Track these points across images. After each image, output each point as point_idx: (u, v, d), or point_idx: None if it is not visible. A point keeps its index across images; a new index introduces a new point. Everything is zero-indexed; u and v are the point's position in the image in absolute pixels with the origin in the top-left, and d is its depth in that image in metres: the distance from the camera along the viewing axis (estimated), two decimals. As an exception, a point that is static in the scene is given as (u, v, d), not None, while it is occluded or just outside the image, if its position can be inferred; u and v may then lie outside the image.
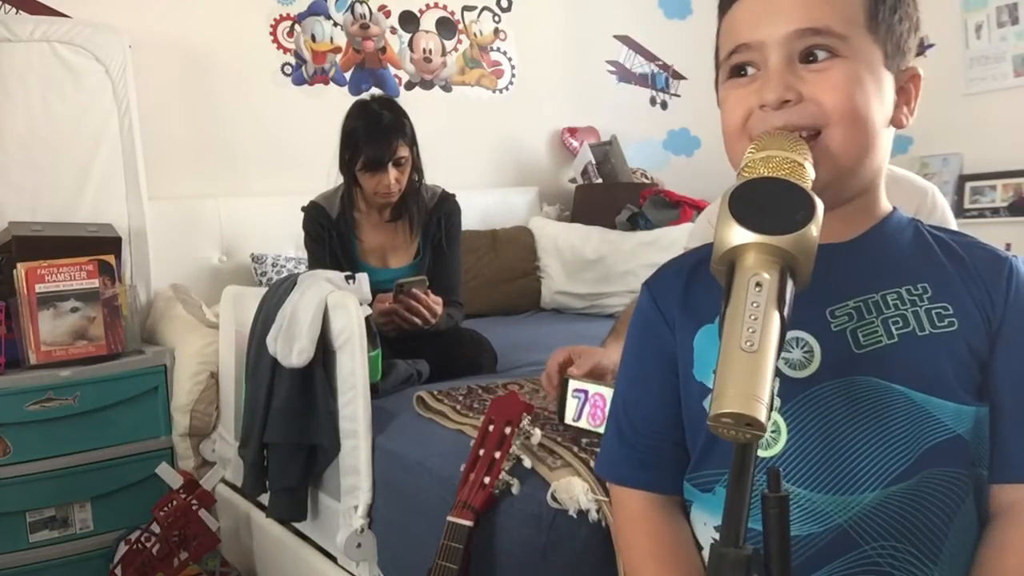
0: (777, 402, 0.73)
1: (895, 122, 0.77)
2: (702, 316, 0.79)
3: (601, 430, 1.42)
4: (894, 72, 0.76)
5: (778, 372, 0.72)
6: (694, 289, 0.82)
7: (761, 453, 0.73)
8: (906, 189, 1.63)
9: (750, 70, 0.75)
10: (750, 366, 0.54)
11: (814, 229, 0.59)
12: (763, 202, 0.61)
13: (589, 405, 1.44)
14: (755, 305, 0.56)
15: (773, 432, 0.73)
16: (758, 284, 0.57)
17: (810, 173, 0.65)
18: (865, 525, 0.70)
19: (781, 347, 0.56)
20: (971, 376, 0.72)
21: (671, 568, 0.79)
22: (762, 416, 0.53)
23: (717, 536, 0.75)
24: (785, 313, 0.57)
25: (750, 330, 0.55)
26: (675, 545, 0.80)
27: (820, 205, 0.60)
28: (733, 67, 0.77)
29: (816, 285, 0.64)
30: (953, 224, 1.61)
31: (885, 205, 0.80)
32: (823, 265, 0.63)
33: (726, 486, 0.75)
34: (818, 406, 0.72)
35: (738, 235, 0.59)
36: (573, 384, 1.46)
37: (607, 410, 1.42)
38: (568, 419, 1.46)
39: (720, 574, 0.51)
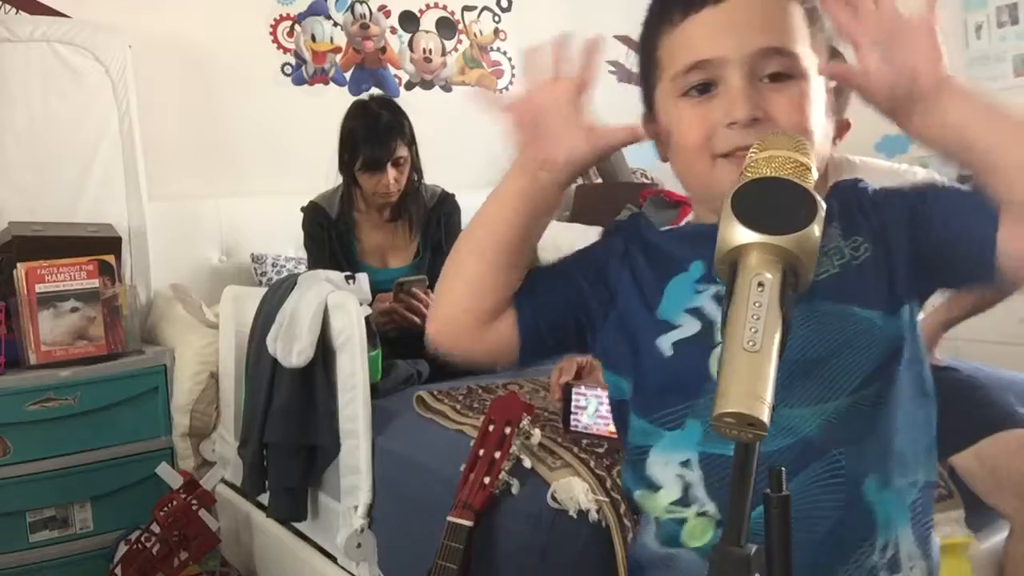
0: None
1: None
2: (671, 268, 0.82)
3: (605, 434, 1.42)
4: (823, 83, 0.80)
5: None
6: (666, 242, 0.85)
7: None
8: (881, 178, 1.64)
9: (709, 88, 0.77)
10: (752, 366, 0.55)
11: (816, 229, 0.59)
12: (766, 202, 0.61)
13: (593, 411, 1.44)
14: (757, 305, 0.57)
15: None
16: (760, 284, 0.57)
17: (813, 173, 0.66)
18: (829, 433, 0.74)
19: (784, 347, 0.57)
20: (894, 287, 0.77)
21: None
22: (765, 416, 0.53)
23: (683, 471, 0.77)
24: (788, 313, 0.58)
25: (752, 330, 0.56)
26: None
27: (823, 205, 0.61)
28: (692, 85, 0.78)
29: None
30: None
31: None
32: None
33: (699, 418, 0.76)
34: None
35: (741, 235, 0.59)
36: (576, 391, 1.46)
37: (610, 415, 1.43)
38: (572, 426, 1.46)
39: (722, 573, 0.52)
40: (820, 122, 0.77)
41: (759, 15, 0.75)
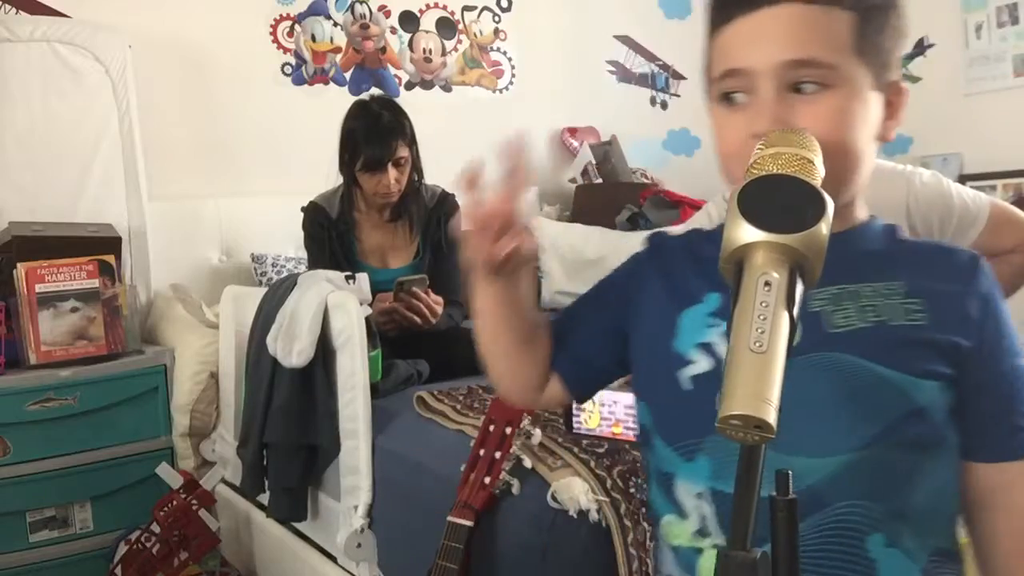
0: None
1: (881, 138, 0.79)
2: (686, 298, 0.82)
3: (607, 435, 1.42)
4: (881, 90, 0.78)
5: None
6: (684, 269, 0.85)
7: None
8: (887, 178, 1.65)
9: (740, 97, 0.77)
10: (759, 367, 0.53)
11: (824, 227, 0.58)
12: (772, 200, 0.60)
13: (596, 412, 1.44)
14: (764, 305, 0.55)
15: None
16: (767, 283, 0.56)
17: (820, 170, 0.65)
18: (835, 486, 0.74)
19: (791, 347, 0.55)
20: (937, 360, 0.76)
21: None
22: (771, 418, 0.52)
23: (699, 503, 0.78)
24: (795, 313, 0.56)
25: (759, 330, 0.54)
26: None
27: (830, 203, 0.59)
28: (725, 91, 0.78)
29: None
30: (947, 188, 1.62)
31: (862, 213, 0.83)
32: None
33: (707, 454, 0.77)
34: (791, 378, 0.74)
35: (747, 233, 0.58)
36: None
37: (614, 415, 1.42)
38: (575, 428, 1.46)
39: None
40: (860, 133, 0.75)
41: (790, 25, 0.74)
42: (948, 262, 0.80)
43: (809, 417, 0.74)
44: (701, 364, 0.78)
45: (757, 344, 0.54)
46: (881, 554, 0.74)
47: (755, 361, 0.54)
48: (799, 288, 0.58)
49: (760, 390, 0.52)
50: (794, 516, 0.54)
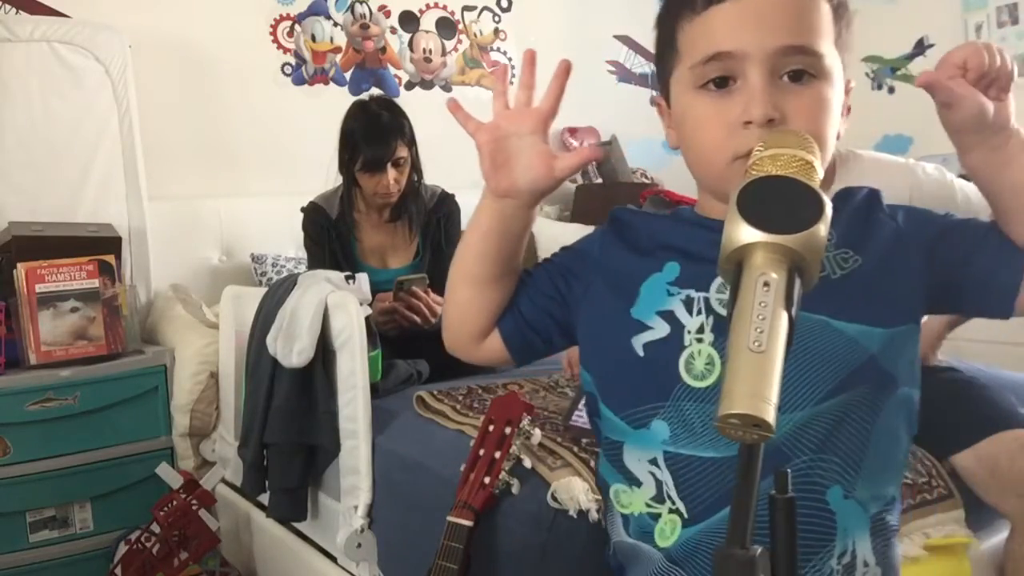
0: (711, 337, 0.78)
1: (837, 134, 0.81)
2: (646, 268, 0.83)
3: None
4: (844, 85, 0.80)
5: (711, 311, 0.77)
6: (645, 240, 0.86)
7: (696, 384, 0.77)
8: (891, 169, 1.65)
9: (730, 83, 0.75)
10: (758, 367, 0.53)
11: (823, 228, 0.58)
12: (771, 201, 0.60)
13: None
14: (763, 305, 0.56)
15: (708, 365, 0.77)
16: (766, 284, 0.56)
17: (819, 171, 0.65)
18: (795, 441, 0.76)
19: (789, 347, 0.56)
20: (887, 304, 0.77)
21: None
22: (770, 417, 0.52)
23: (653, 469, 0.79)
24: (793, 313, 0.57)
25: (758, 330, 0.55)
26: None
27: (829, 204, 0.60)
28: (710, 77, 0.76)
29: None
30: (950, 181, 1.63)
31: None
32: None
33: (665, 419, 0.78)
34: None
35: (746, 234, 0.58)
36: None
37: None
38: (573, 421, 1.46)
39: (727, 575, 0.51)
40: (835, 125, 0.77)
41: (784, 10, 0.73)
42: (855, 203, 0.83)
43: None
44: (659, 331, 0.79)
45: (756, 344, 0.54)
46: (840, 505, 0.76)
47: (754, 361, 0.54)
48: (797, 288, 0.58)
49: (759, 389, 0.53)
50: (792, 515, 0.55)
